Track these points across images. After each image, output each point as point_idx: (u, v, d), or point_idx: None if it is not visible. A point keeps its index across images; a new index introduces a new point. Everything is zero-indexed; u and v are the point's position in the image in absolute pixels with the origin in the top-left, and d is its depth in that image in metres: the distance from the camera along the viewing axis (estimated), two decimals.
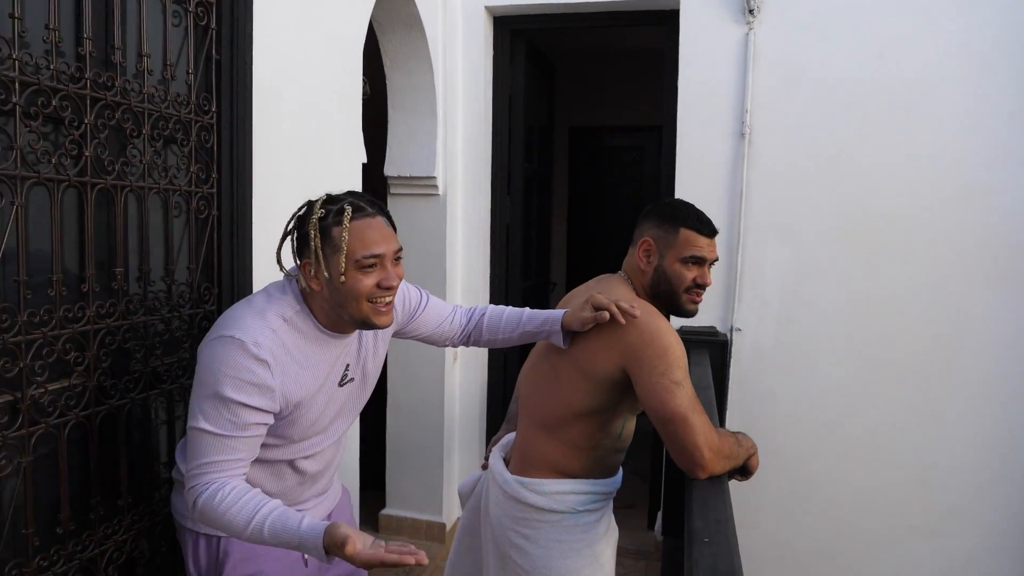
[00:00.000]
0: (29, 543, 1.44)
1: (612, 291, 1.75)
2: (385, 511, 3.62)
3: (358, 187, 2.65)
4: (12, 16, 1.34)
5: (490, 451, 1.95)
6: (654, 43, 3.79)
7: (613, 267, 1.93)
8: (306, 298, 1.52)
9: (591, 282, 1.91)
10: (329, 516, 1.78)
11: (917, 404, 3.11)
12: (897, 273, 3.08)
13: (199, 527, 1.59)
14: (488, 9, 3.51)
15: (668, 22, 3.34)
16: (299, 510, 1.56)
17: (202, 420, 1.40)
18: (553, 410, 1.74)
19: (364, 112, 2.70)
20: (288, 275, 1.55)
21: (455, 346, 1.92)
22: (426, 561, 1.34)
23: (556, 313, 1.74)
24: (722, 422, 2.88)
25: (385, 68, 3.28)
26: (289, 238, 1.53)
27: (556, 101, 4.84)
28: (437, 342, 1.87)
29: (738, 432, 1.70)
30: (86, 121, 1.51)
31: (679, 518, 2.17)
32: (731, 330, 3.22)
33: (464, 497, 2.01)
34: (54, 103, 1.44)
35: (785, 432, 3.21)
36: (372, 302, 1.48)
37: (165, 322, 1.79)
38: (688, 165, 3.25)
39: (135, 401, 1.70)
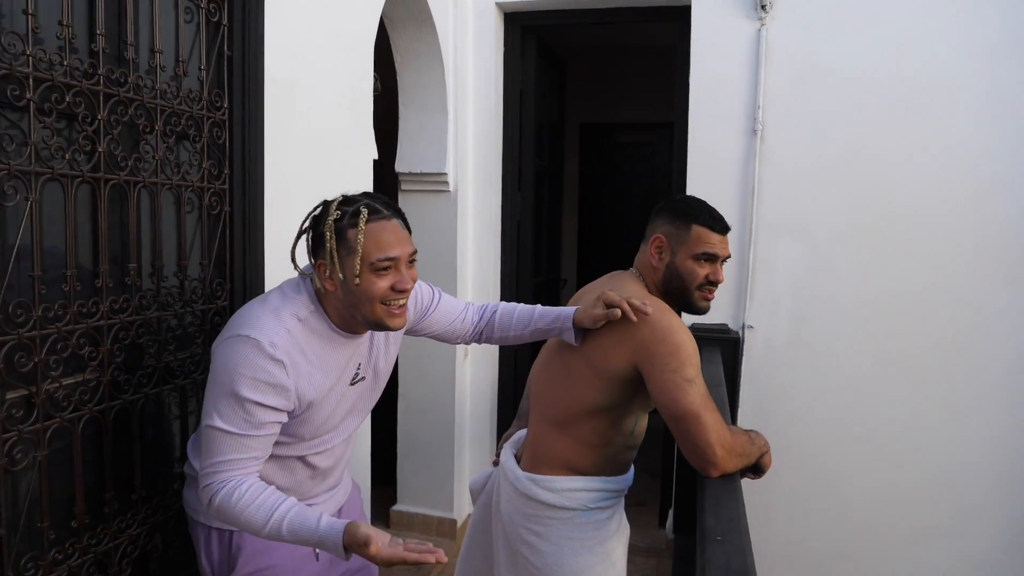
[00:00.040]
0: (44, 536, 1.45)
1: (624, 288, 1.75)
2: (396, 507, 3.63)
3: (369, 183, 2.66)
4: (26, 12, 1.35)
5: (501, 448, 1.95)
6: (665, 39, 3.78)
7: (624, 264, 1.92)
8: (320, 298, 1.52)
9: (603, 279, 1.91)
10: (340, 511, 1.79)
11: (931, 403, 3.08)
12: (911, 270, 3.05)
13: (211, 521, 1.59)
14: (499, 5, 3.51)
15: (680, 18, 3.32)
16: (310, 505, 1.56)
17: (218, 419, 1.41)
18: (565, 407, 1.73)
19: (375, 108, 2.70)
20: (302, 274, 1.55)
21: (467, 343, 1.92)
22: (445, 559, 1.36)
23: (568, 310, 1.74)
24: (734, 420, 2.87)
25: (396, 64, 3.28)
26: (304, 237, 1.53)
27: (567, 97, 4.82)
28: (449, 339, 1.87)
29: (751, 430, 1.69)
30: (99, 117, 1.52)
31: (691, 516, 2.17)
32: (743, 327, 3.21)
33: (475, 494, 2.01)
34: (68, 99, 1.44)
35: (798, 430, 3.19)
36: (386, 304, 1.48)
37: (178, 318, 1.80)
38: (700, 162, 3.23)
39: (148, 396, 1.71)
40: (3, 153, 1.32)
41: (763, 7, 3.07)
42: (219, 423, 1.41)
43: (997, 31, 2.90)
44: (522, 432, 1.96)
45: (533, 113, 3.77)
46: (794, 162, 3.13)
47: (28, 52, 1.35)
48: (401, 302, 1.50)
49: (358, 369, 1.63)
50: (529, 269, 3.88)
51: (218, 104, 1.88)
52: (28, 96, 1.36)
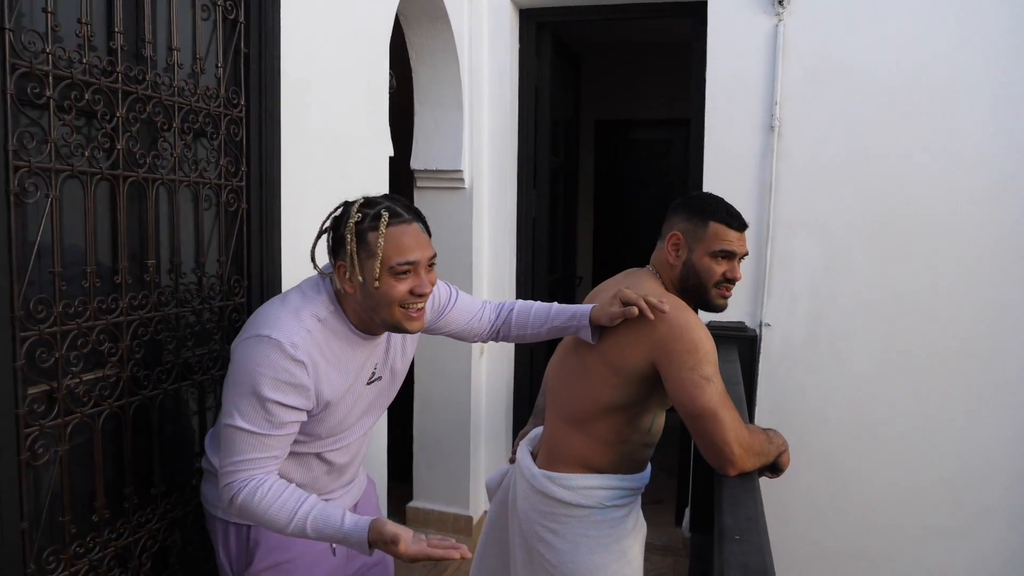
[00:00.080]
0: (66, 530, 1.46)
1: (641, 285, 1.74)
2: (412, 503, 3.64)
3: (385, 180, 2.66)
4: (45, 11, 1.36)
5: (518, 445, 1.95)
6: (681, 35, 3.76)
7: (639, 261, 1.91)
8: (339, 298, 1.53)
9: (619, 276, 1.90)
10: (355, 506, 1.79)
11: (950, 402, 3.06)
12: (930, 268, 3.03)
13: (229, 516, 1.60)
14: (514, 2, 3.50)
15: (696, 13, 3.30)
16: (326, 500, 1.57)
17: (239, 418, 1.41)
18: (581, 405, 1.73)
19: (390, 105, 2.70)
20: (322, 273, 1.56)
21: (484, 341, 1.92)
22: (469, 555, 1.40)
23: (584, 308, 1.73)
24: (751, 418, 2.85)
25: (411, 61, 3.28)
26: (324, 236, 1.54)
27: (582, 94, 4.81)
28: (466, 338, 1.87)
29: (769, 428, 1.68)
30: (118, 114, 1.53)
31: (708, 515, 2.15)
32: (760, 325, 3.19)
33: (491, 491, 2.01)
34: (87, 97, 1.45)
35: (815, 429, 3.17)
36: (404, 307, 1.48)
37: (196, 314, 1.81)
38: (716, 158, 3.21)
39: (167, 392, 1.72)
40: (24, 151, 1.33)
41: (780, 2, 3.04)
42: (240, 422, 1.41)
43: (1015, 27, 2.86)
44: (538, 430, 1.96)
45: (548, 110, 3.76)
46: (811, 158, 3.11)
47: (48, 50, 1.36)
48: (419, 305, 1.50)
49: (375, 369, 1.64)
50: (544, 266, 3.87)
51: (235, 101, 1.88)
52: (48, 94, 1.37)
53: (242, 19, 1.89)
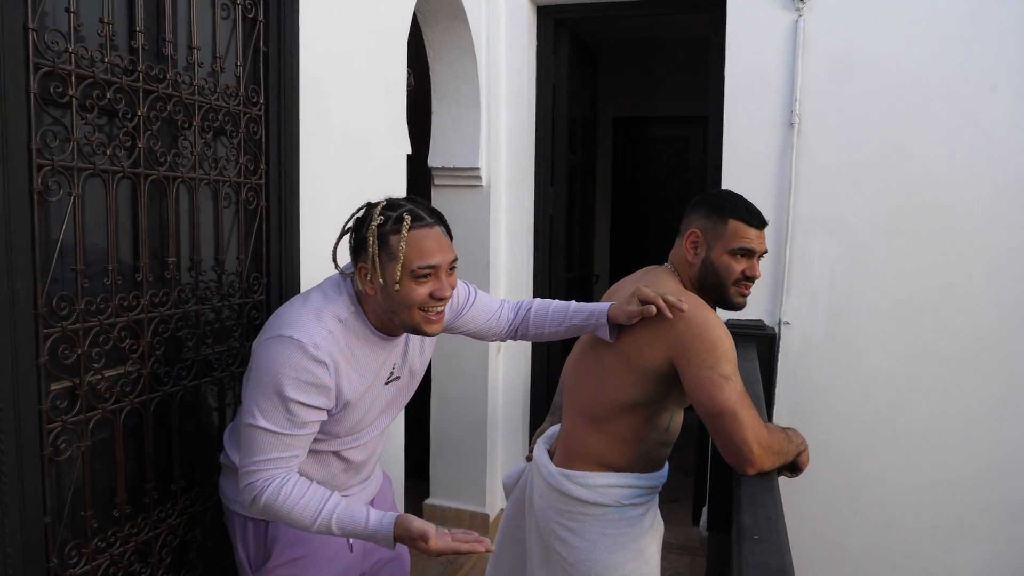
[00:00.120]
0: (88, 525, 1.48)
1: (659, 283, 1.73)
2: (429, 501, 3.65)
3: (402, 178, 2.67)
4: (68, 11, 1.37)
5: (535, 443, 1.95)
6: (699, 31, 3.74)
7: (656, 259, 1.91)
8: (360, 299, 1.53)
9: (637, 274, 1.89)
10: (371, 503, 1.80)
11: (973, 401, 3.02)
12: (952, 266, 2.99)
13: (248, 512, 1.61)
14: None
15: (714, 9, 3.28)
16: (343, 496, 1.58)
17: (261, 418, 1.43)
18: (599, 403, 1.72)
19: (408, 103, 2.71)
20: (343, 273, 1.56)
21: (502, 340, 1.92)
22: (493, 548, 1.43)
23: (602, 306, 1.73)
24: (770, 417, 2.84)
25: (429, 59, 3.28)
26: (346, 237, 1.54)
27: (599, 91, 4.80)
28: (485, 337, 1.87)
29: (788, 428, 1.66)
30: (139, 113, 1.54)
31: (725, 514, 2.14)
32: (779, 324, 3.17)
33: (508, 489, 2.01)
34: (108, 96, 1.46)
35: (835, 428, 3.14)
36: (424, 311, 1.48)
37: (216, 311, 1.82)
38: (735, 155, 3.19)
39: (187, 388, 1.73)
40: (47, 149, 1.34)
41: None
42: (262, 422, 1.42)
43: None
44: (555, 428, 1.96)
45: (566, 107, 3.75)
46: (832, 156, 3.08)
47: (70, 49, 1.37)
48: (439, 309, 1.51)
49: (393, 369, 1.65)
50: (562, 264, 3.86)
51: (254, 100, 1.89)
52: (70, 93, 1.38)
53: (261, 18, 1.90)
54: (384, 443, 1.79)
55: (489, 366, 3.49)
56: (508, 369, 3.67)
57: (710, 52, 3.34)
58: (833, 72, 3.05)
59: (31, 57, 1.29)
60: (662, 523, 1.84)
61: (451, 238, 1.53)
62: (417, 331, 1.52)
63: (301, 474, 1.51)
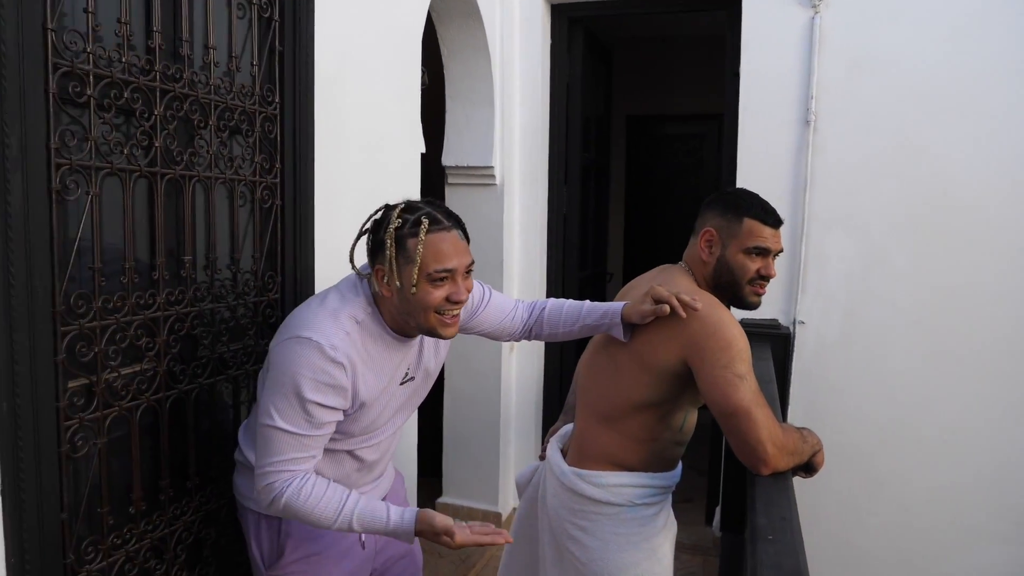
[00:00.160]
0: (104, 522, 1.49)
1: (673, 282, 1.72)
2: (442, 499, 3.66)
3: (416, 176, 2.67)
4: (87, 11, 1.39)
5: (548, 442, 1.95)
6: (714, 29, 3.72)
7: (670, 258, 1.90)
8: (376, 301, 1.54)
9: (652, 272, 1.89)
10: (384, 499, 1.80)
11: (990, 401, 2.99)
12: (968, 265, 2.96)
13: (262, 508, 1.62)
14: None
15: (729, 6, 3.26)
16: None
17: (279, 419, 1.43)
18: (612, 402, 1.72)
19: (422, 102, 2.71)
20: (359, 274, 1.57)
21: (516, 340, 1.92)
22: (511, 539, 1.48)
23: (616, 306, 1.72)
24: (784, 417, 2.82)
25: (443, 58, 3.29)
26: (364, 238, 1.55)
27: (614, 89, 4.79)
28: (499, 337, 1.87)
29: (803, 428, 1.65)
30: (156, 112, 1.55)
31: (739, 514, 2.14)
32: (794, 323, 3.15)
33: (521, 487, 2.01)
34: (126, 95, 1.48)
35: (850, 429, 3.12)
36: (440, 314, 1.49)
37: (231, 309, 1.83)
38: (750, 153, 3.18)
39: (203, 386, 1.75)
40: (65, 149, 1.36)
41: None
42: (280, 423, 1.43)
43: None
44: (568, 427, 1.95)
45: (580, 106, 3.74)
46: (848, 154, 3.06)
47: (88, 50, 1.39)
48: (455, 312, 1.51)
49: (408, 370, 1.65)
50: (575, 263, 3.86)
51: (270, 99, 1.90)
52: (88, 92, 1.39)
53: (277, 17, 1.91)
54: (397, 442, 1.80)
55: (502, 365, 3.50)
56: (521, 368, 3.67)
57: (725, 50, 3.33)
58: (849, 69, 3.03)
59: (50, 57, 1.31)
60: (675, 523, 1.83)
61: (468, 241, 1.53)
62: (432, 334, 1.52)
63: (315, 472, 1.52)
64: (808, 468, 1.64)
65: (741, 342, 1.57)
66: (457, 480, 3.64)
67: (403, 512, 1.48)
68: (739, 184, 3.11)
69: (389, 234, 1.45)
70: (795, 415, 3.12)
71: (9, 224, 1.24)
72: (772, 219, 1.74)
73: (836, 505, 3.15)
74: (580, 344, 1.99)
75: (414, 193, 2.66)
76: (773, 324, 3.09)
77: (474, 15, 3.11)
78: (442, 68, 3.30)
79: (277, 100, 1.92)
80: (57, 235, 1.34)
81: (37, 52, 1.29)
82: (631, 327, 1.70)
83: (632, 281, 1.93)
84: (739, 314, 2.03)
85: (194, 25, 1.67)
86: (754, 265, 1.73)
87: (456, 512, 3.61)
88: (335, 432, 1.55)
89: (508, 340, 1.91)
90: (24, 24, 1.25)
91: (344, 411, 1.51)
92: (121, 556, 1.54)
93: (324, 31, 2.05)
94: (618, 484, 1.70)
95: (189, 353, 1.71)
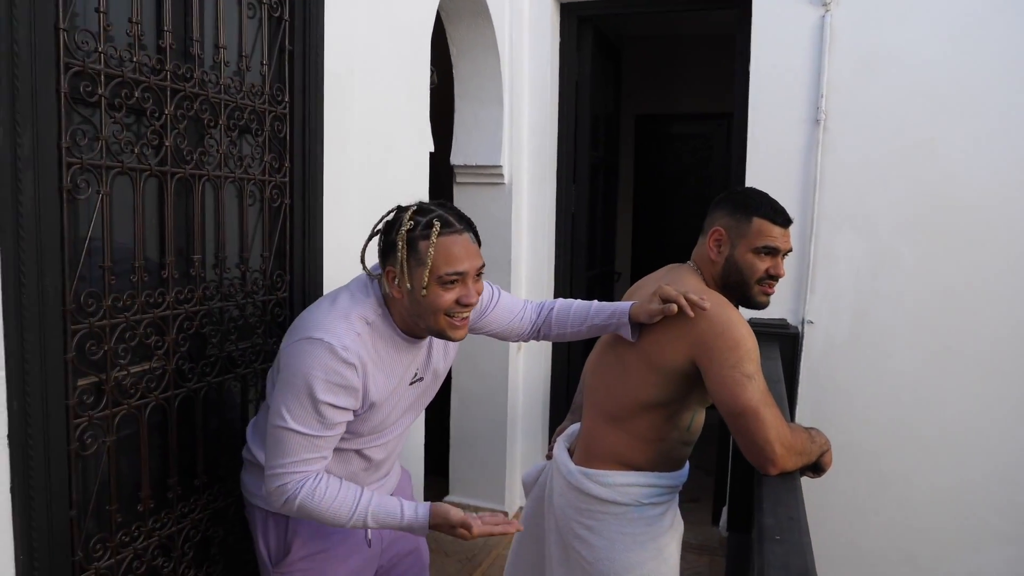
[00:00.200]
0: (112, 519, 1.50)
1: (681, 281, 1.72)
2: (448, 498, 3.66)
3: (425, 176, 2.67)
4: (98, 11, 1.39)
5: (555, 441, 1.95)
6: (723, 28, 3.71)
7: (678, 257, 1.90)
8: (387, 302, 1.54)
9: (660, 272, 1.88)
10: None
11: (998, 402, 2.98)
12: (978, 265, 2.95)
13: (269, 506, 1.63)
14: None
15: (739, 5, 3.25)
16: None
17: (291, 420, 1.44)
18: (620, 402, 1.72)
19: (431, 101, 2.71)
20: (370, 275, 1.57)
21: (525, 340, 1.92)
22: (522, 527, 1.53)
23: (623, 305, 1.72)
24: (792, 417, 2.81)
25: (452, 57, 3.29)
26: (375, 238, 1.55)
27: (622, 88, 4.78)
28: (507, 337, 1.87)
29: (811, 428, 1.65)
30: (166, 112, 1.56)
31: (746, 514, 2.13)
32: (803, 323, 3.14)
33: (528, 487, 2.01)
34: (136, 95, 1.48)
35: (858, 428, 3.11)
36: (449, 316, 1.49)
37: (240, 308, 1.84)
38: (759, 152, 3.17)
39: (211, 385, 1.75)
40: (76, 148, 1.36)
41: None
42: (293, 424, 1.44)
43: None
44: (575, 426, 1.95)
45: (588, 105, 3.74)
46: (858, 153, 3.04)
47: (100, 49, 1.39)
48: (464, 315, 1.52)
49: (417, 370, 1.65)
50: (583, 262, 3.86)
51: (279, 98, 1.91)
52: (99, 92, 1.40)
53: (287, 17, 1.91)
54: (404, 441, 1.80)
55: (509, 365, 3.50)
56: (528, 368, 3.67)
57: (735, 48, 3.31)
58: (860, 68, 3.02)
59: (61, 57, 1.31)
60: (682, 523, 1.83)
61: (479, 244, 1.53)
62: (442, 336, 1.53)
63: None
64: (816, 468, 1.63)
65: (749, 342, 1.57)
66: (464, 479, 3.64)
67: (417, 507, 1.51)
68: (748, 183, 3.10)
69: (401, 236, 1.45)
70: (803, 415, 3.11)
71: (20, 223, 1.25)
72: (781, 218, 1.74)
73: (843, 505, 3.14)
74: (587, 344, 1.99)
75: (422, 192, 2.66)
76: (782, 324, 3.09)
77: (483, 14, 3.11)
78: (451, 67, 3.30)
79: (287, 99, 1.93)
80: (68, 234, 1.35)
81: (49, 52, 1.29)
82: (639, 327, 1.70)
83: (640, 280, 1.93)
84: (747, 313, 2.03)
85: (205, 25, 1.68)
86: (763, 265, 1.73)
87: (463, 511, 3.60)
88: (345, 432, 1.56)
89: (516, 340, 1.91)
90: (36, 24, 1.26)
91: (354, 411, 1.52)
92: (129, 554, 1.55)
93: (334, 31, 2.06)
94: (625, 484, 1.70)
95: (198, 351, 1.71)
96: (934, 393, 3.04)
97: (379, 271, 1.55)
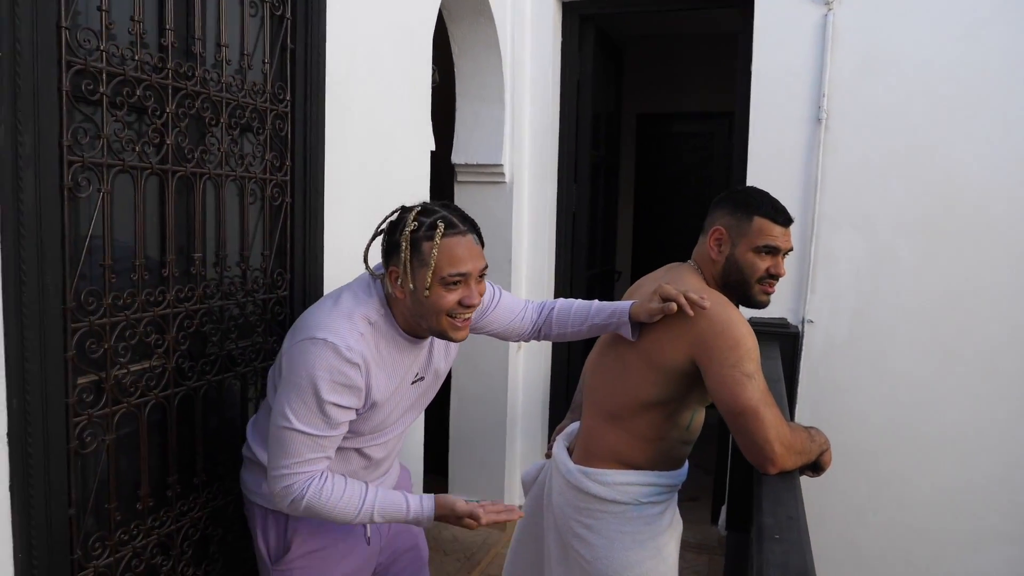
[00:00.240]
0: (111, 518, 1.50)
1: (682, 281, 1.72)
2: None
3: (426, 174, 2.68)
4: (100, 9, 1.39)
5: (554, 440, 1.95)
6: (724, 27, 3.71)
7: (678, 256, 1.90)
8: (389, 302, 1.54)
9: (660, 271, 1.88)
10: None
11: (998, 402, 2.97)
12: (979, 265, 2.95)
13: (269, 503, 1.63)
14: None
15: (742, 4, 3.25)
16: None
17: (296, 421, 1.44)
18: (620, 401, 1.72)
19: (432, 99, 2.71)
20: (373, 274, 1.57)
21: (525, 340, 1.93)
22: (522, 514, 1.59)
23: (624, 305, 1.72)
24: (792, 417, 2.81)
25: (454, 56, 3.28)
26: (379, 238, 1.55)
27: (624, 87, 4.78)
28: (508, 337, 1.87)
29: (811, 427, 1.65)
30: (168, 110, 1.56)
31: (745, 513, 2.13)
32: (803, 322, 3.14)
33: (527, 485, 2.01)
34: (138, 93, 1.48)
35: (857, 428, 3.11)
36: (451, 317, 1.50)
37: (240, 306, 1.84)
38: (761, 152, 3.16)
39: (211, 383, 1.75)
40: (77, 146, 1.36)
41: None
42: (298, 425, 1.44)
43: None
44: (575, 425, 1.96)
45: (590, 103, 3.73)
46: (860, 153, 3.04)
47: (102, 48, 1.39)
48: (467, 316, 1.52)
49: (419, 370, 1.66)
50: (583, 262, 3.86)
51: (281, 97, 1.91)
52: (101, 90, 1.40)
53: (289, 15, 1.91)
54: (404, 440, 1.80)
55: (509, 364, 3.50)
56: (528, 367, 3.67)
57: (737, 48, 3.31)
58: (862, 68, 3.01)
59: (63, 55, 1.32)
60: (681, 521, 1.83)
61: (483, 245, 1.54)
62: (443, 336, 1.53)
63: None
64: (815, 467, 1.64)
65: (749, 341, 1.57)
66: (463, 478, 3.64)
67: (422, 500, 1.54)
68: (749, 182, 3.10)
69: (405, 236, 1.45)
70: (802, 414, 3.11)
71: (21, 221, 1.25)
72: (782, 218, 1.74)
73: (842, 504, 3.14)
74: (587, 343, 1.99)
75: (423, 190, 2.66)
76: (782, 323, 3.08)
77: (485, 13, 3.11)
78: (453, 66, 3.30)
79: (288, 98, 1.93)
80: (69, 232, 1.35)
81: (51, 50, 1.29)
82: (639, 326, 1.70)
83: (640, 279, 1.93)
84: (748, 313, 2.03)
85: (207, 23, 1.68)
86: (763, 264, 1.73)
87: None
88: (346, 432, 1.56)
89: (517, 340, 1.91)
90: (38, 22, 1.26)
91: (356, 411, 1.52)
92: (128, 552, 1.55)
93: (335, 29, 2.06)
94: (624, 482, 1.70)
95: (198, 350, 1.72)
96: (934, 393, 3.04)
97: (382, 271, 1.55)
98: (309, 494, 1.46)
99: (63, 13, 1.31)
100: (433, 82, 2.70)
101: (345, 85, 2.13)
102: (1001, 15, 2.84)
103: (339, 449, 1.60)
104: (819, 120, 3.05)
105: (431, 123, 2.69)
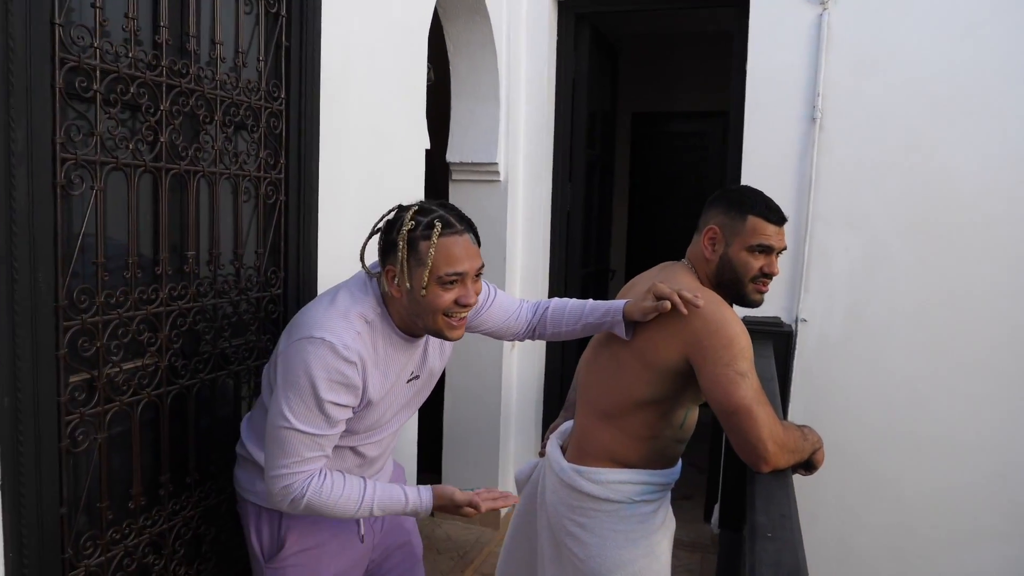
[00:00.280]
0: (103, 516, 1.50)
1: (676, 279, 1.72)
2: None
3: (421, 173, 2.67)
4: (94, 6, 1.38)
5: (547, 439, 1.95)
6: (720, 26, 3.72)
7: (673, 255, 1.90)
8: (386, 300, 1.54)
9: (654, 270, 1.89)
10: None
11: (991, 401, 2.99)
12: (971, 265, 2.96)
13: (262, 501, 1.63)
14: None
15: (737, 4, 3.26)
16: None
17: (295, 420, 1.44)
18: (614, 399, 1.72)
19: (427, 98, 2.71)
20: (369, 273, 1.57)
21: (520, 340, 1.93)
22: (518, 499, 1.69)
23: (618, 304, 1.73)
24: (785, 415, 2.82)
25: (449, 54, 3.28)
26: (375, 237, 1.55)
27: (619, 86, 4.78)
28: (503, 336, 1.88)
29: (804, 426, 1.66)
30: (162, 108, 1.55)
31: (738, 511, 2.14)
32: (796, 321, 3.15)
33: (521, 484, 2.01)
34: (132, 90, 1.48)
35: (850, 427, 3.12)
36: (448, 316, 1.50)
37: (233, 305, 1.83)
38: (755, 151, 3.17)
39: (204, 382, 1.75)
40: (71, 143, 1.36)
41: None
42: (297, 424, 1.44)
43: None
44: (568, 423, 1.96)
45: (585, 102, 3.74)
46: (854, 152, 3.05)
47: (95, 45, 1.39)
48: (463, 315, 1.52)
49: (414, 369, 1.66)
50: (578, 260, 3.86)
51: (275, 94, 1.90)
52: (95, 87, 1.39)
53: (284, 13, 1.90)
54: (398, 438, 1.80)
55: (503, 362, 3.50)
56: (522, 365, 3.68)
57: (732, 47, 3.32)
58: (857, 68, 3.02)
59: (57, 52, 1.31)
60: (674, 520, 1.83)
61: (479, 245, 1.54)
62: (439, 335, 1.53)
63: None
64: (808, 466, 1.64)
65: (743, 340, 1.57)
66: (457, 476, 3.64)
67: (419, 491, 1.57)
68: (743, 182, 3.11)
69: (402, 236, 1.45)
70: (796, 413, 3.12)
71: (14, 219, 1.25)
72: (776, 216, 1.74)
73: (835, 503, 3.16)
74: (581, 342, 1.99)
75: (418, 189, 2.66)
76: (775, 322, 3.09)
77: (481, 11, 3.11)
78: (448, 64, 3.30)
79: (283, 96, 1.92)
80: (61, 230, 1.34)
81: (44, 47, 1.29)
82: (633, 325, 1.70)
83: (634, 278, 1.93)
84: (741, 311, 2.03)
85: (201, 20, 1.67)
86: (757, 263, 1.73)
87: None
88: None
89: (511, 339, 1.92)
90: (31, 19, 1.25)
91: (352, 409, 1.52)
92: (120, 551, 1.54)
93: (330, 27, 2.05)
94: (617, 481, 1.71)
95: (191, 348, 1.71)
96: (927, 391, 3.05)
97: (378, 269, 1.55)
98: (309, 493, 1.46)
99: (56, 10, 1.30)
100: (428, 80, 2.70)
101: (340, 83, 2.13)
102: (996, 15, 2.85)
103: (335, 447, 1.60)
104: (814, 119, 3.06)
105: (426, 121, 2.69)
